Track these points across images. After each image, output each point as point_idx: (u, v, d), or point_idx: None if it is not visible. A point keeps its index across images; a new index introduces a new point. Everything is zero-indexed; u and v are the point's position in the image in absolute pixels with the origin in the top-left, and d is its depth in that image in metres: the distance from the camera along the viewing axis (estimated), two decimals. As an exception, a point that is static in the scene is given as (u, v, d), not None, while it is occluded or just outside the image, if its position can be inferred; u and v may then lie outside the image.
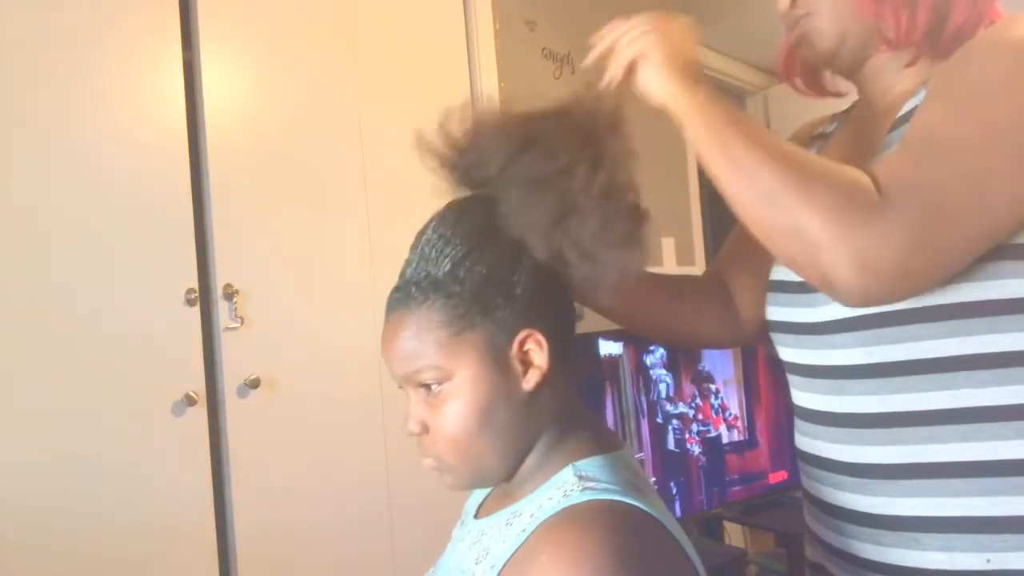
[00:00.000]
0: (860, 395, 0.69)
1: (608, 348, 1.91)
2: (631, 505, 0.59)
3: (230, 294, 1.53)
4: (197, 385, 1.47)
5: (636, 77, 0.72)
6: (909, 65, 0.74)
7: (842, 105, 0.90)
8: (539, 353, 0.63)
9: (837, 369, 0.72)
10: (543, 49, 2.28)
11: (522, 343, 0.63)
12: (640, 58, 0.71)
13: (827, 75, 0.88)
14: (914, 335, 0.65)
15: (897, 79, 0.75)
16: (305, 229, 1.67)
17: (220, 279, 1.53)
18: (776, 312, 0.81)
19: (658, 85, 0.69)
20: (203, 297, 1.50)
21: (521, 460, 0.66)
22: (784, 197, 0.59)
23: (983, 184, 0.58)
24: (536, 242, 0.63)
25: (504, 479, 0.68)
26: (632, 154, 0.67)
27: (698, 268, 2.78)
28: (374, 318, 1.76)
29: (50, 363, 1.30)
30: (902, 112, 0.71)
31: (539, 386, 0.64)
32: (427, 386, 0.64)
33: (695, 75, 0.69)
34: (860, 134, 0.78)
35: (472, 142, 0.70)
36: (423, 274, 0.64)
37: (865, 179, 0.59)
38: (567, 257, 0.63)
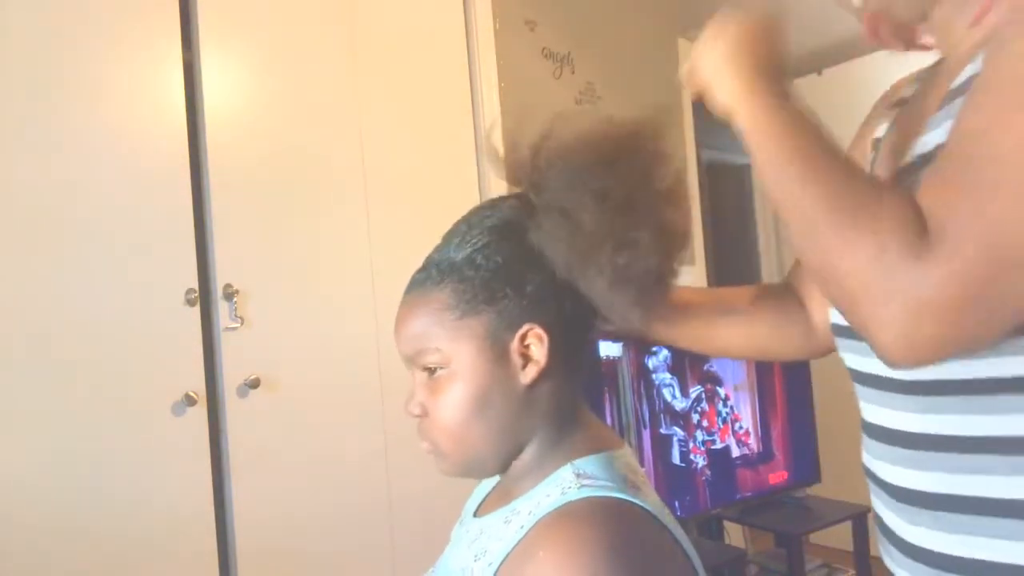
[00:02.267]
0: (903, 411, 0.62)
1: (607, 350, 1.85)
2: (629, 502, 0.59)
3: (230, 294, 1.53)
4: (197, 385, 1.47)
5: (701, 75, 0.63)
6: (974, 22, 0.60)
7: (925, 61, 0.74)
8: (539, 348, 0.63)
9: (883, 379, 0.65)
10: (543, 49, 2.28)
11: (523, 337, 0.63)
12: (709, 50, 0.62)
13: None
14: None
15: (964, 35, 0.61)
16: (305, 229, 1.67)
17: (220, 279, 1.53)
18: (836, 314, 0.74)
19: (720, 83, 0.61)
20: (203, 297, 1.50)
21: (514, 454, 0.67)
22: (821, 232, 0.52)
23: None
24: (555, 263, 0.63)
25: (496, 471, 0.69)
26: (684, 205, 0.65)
27: (698, 268, 2.78)
28: (374, 318, 1.76)
29: (50, 363, 1.30)
30: (956, 82, 0.58)
31: (537, 382, 0.64)
32: (430, 370, 0.65)
33: (767, 75, 0.60)
34: (923, 103, 0.67)
35: (542, 160, 0.67)
36: (443, 256, 0.66)
37: (911, 211, 0.50)
38: (578, 284, 0.63)
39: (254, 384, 1.54)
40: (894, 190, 0.54)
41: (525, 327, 0.63)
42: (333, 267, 1.72)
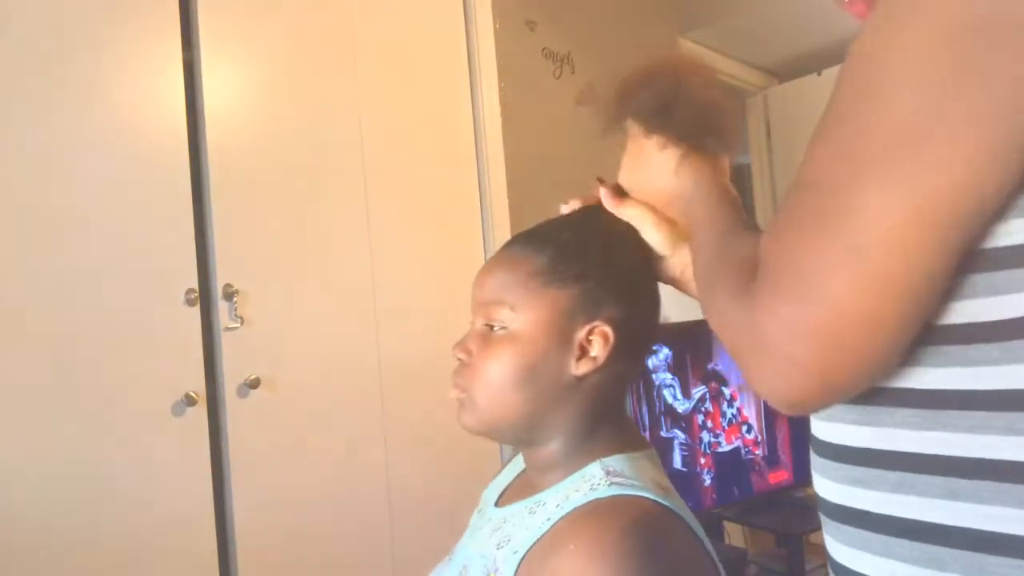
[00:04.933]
0: (815, 417, 0.60)
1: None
2: (657, 502, 0.60)
3: (230, 294, 1.53)
4: (197, 385, 1.47)
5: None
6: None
7: None
8: (601, 347, 0.64)
9: None
10: (543, 49, 2.28)
11: (592, 330, 0.65)
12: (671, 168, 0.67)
13: None
14: None
15: None
16: (305, 230, 1.67)
17: (220, 279, 1.53)
18: None
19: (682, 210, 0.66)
20: (203, 297, 1.50)
21: (537, 436, 0.68)
22: (716, 320, 0.52)
23: (855, 230, 0.42)
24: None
25: (513, 442, 0.71)
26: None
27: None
28: (374, 318, 1.76)
29: (50, 363, 1.30)
30: None
31: (588, 376, 0.65)
32: (490, 326, 0.67)
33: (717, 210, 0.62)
34: None
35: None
36: (547, 230, 0.69)
37: (749, 257, 0.50)
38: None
39: (254, 384, 1.54)
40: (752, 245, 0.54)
41: (597, 322, 0.64)
42: (333, 267, 1.72)
